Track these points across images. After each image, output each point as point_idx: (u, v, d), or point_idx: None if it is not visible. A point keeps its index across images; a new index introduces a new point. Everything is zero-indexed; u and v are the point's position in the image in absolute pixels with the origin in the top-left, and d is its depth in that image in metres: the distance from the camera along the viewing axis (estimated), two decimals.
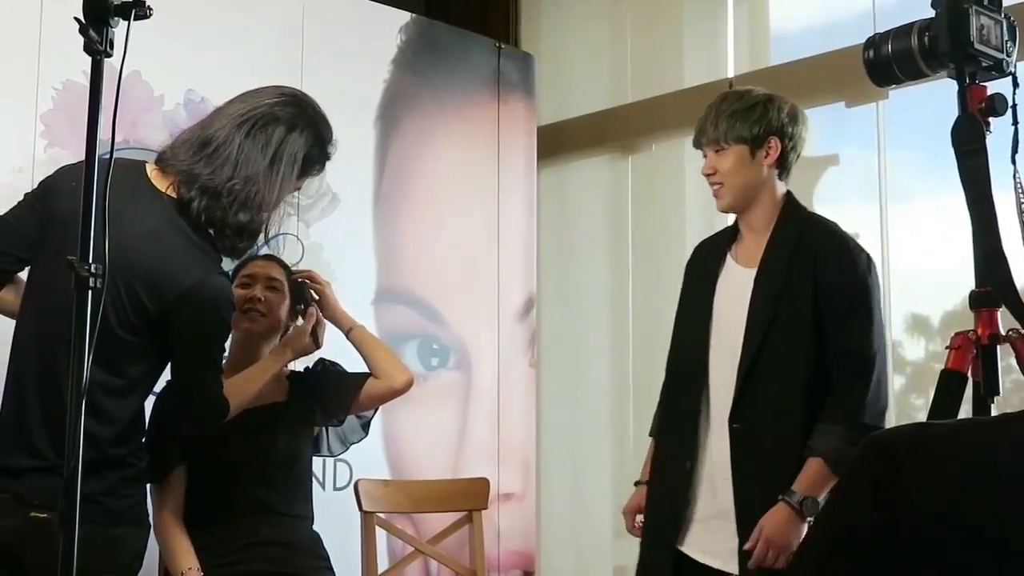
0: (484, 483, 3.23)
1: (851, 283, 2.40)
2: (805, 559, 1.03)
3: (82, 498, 1.90)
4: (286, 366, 2.75)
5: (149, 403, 2.53)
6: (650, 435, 2.73)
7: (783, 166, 2.52)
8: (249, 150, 2.20)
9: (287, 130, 2.26)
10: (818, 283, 2.40)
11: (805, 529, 2.28)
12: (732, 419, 2.40)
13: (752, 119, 2.48)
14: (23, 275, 2.26)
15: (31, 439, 2.10)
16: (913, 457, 0.97)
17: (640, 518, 2.60)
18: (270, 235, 2.29)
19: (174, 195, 2.19)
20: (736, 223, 2.61)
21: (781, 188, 2.54)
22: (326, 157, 2.38)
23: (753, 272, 2.48)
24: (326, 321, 2.78)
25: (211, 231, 2.20)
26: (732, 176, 2.49)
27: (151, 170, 2.24)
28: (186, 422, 2.38)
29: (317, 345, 2.73)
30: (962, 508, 0.94)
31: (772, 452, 2.38)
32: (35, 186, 2.28)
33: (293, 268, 2.86)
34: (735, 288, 2.50)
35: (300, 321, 2.78)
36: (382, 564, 3.07)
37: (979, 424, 1.11)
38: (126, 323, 2.11)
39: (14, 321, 2.23)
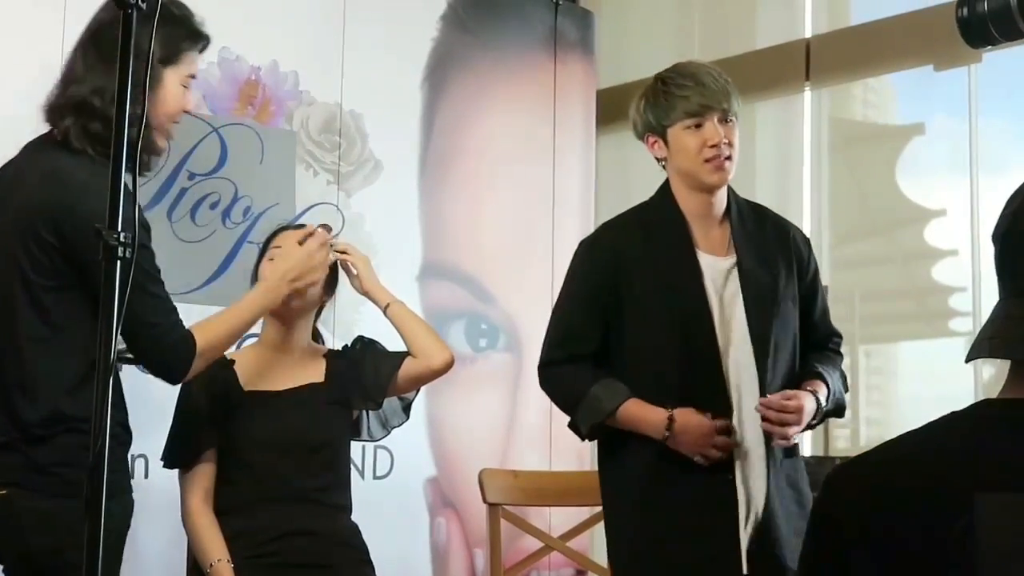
0: None
1: (813, 258, 2.69)
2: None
3: (37, 469, 2.02)
4: (313, 317, 2.72)
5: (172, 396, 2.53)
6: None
7: None
8: (92, 61, 2.20)
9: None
10: (798, 262, 2.61)
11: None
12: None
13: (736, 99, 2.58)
14: None
15: None
16: (845, 479, 1.18)
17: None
18: (160, 145, 2.28)
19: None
20: (674, 211, 2.59)
21: None
22: (188, 29, 2.32)
23: (728, 260, 2.55)
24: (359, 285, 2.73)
25: (100, 149, 2.17)
26: (735, 151, 2.53)
27: (47, 128, 2.31)
28: (152, 369, 2.24)
29: (324, 269, 2.62)
30: (884, 520, 1.10)
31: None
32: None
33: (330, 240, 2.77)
34: (718, 278, 2.56)
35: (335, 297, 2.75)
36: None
37: (913, 435, 1.21)
38: (42, 269, 2.11)
39: None
